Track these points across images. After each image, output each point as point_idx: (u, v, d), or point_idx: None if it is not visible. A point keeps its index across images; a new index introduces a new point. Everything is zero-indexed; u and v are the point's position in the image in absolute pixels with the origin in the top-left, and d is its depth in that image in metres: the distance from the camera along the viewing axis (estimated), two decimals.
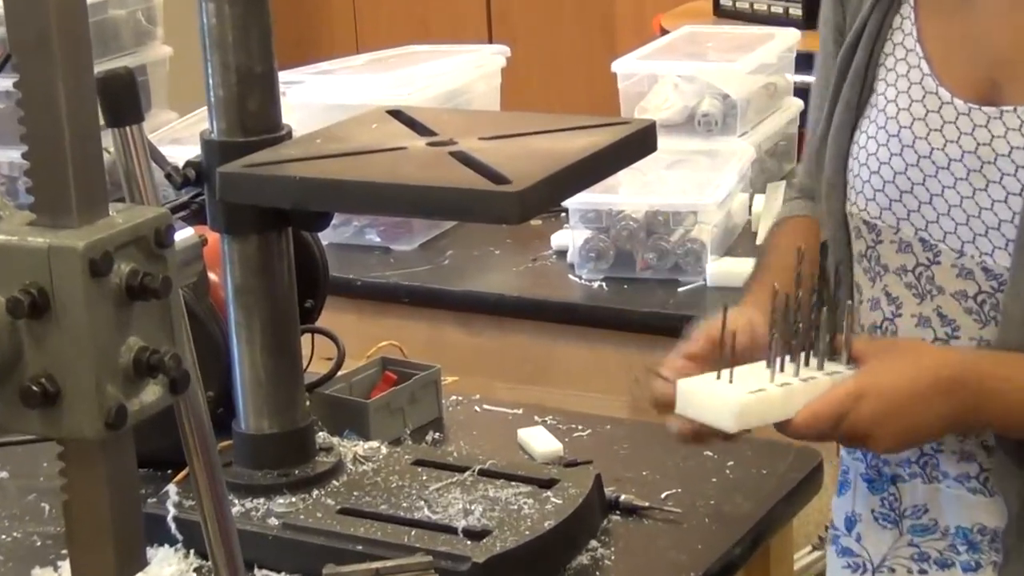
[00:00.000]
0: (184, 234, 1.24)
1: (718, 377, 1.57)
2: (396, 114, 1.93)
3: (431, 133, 1.83)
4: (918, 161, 1.65)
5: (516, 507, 1.78)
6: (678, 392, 1.58)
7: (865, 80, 1.70)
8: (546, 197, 1.69)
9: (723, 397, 1.56)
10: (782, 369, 1.59)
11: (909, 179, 1.65)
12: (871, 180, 1.68)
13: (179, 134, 3.09)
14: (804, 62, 3.45)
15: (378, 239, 2.97)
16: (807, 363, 1.60)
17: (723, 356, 1.56)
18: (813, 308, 1.60)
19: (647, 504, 1.87)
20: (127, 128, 1.37)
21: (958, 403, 1.54)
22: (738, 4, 4.59)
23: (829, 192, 1.72)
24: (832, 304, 1.61)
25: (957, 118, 1.63)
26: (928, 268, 1.65)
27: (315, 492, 1.83)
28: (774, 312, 1.58)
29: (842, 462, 1.79)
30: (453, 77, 3.09)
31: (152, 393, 1.06)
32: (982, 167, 1.60)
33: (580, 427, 2.11)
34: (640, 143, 1.81)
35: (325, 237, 2.14)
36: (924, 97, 1.66)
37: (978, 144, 1.60)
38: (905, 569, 1.73)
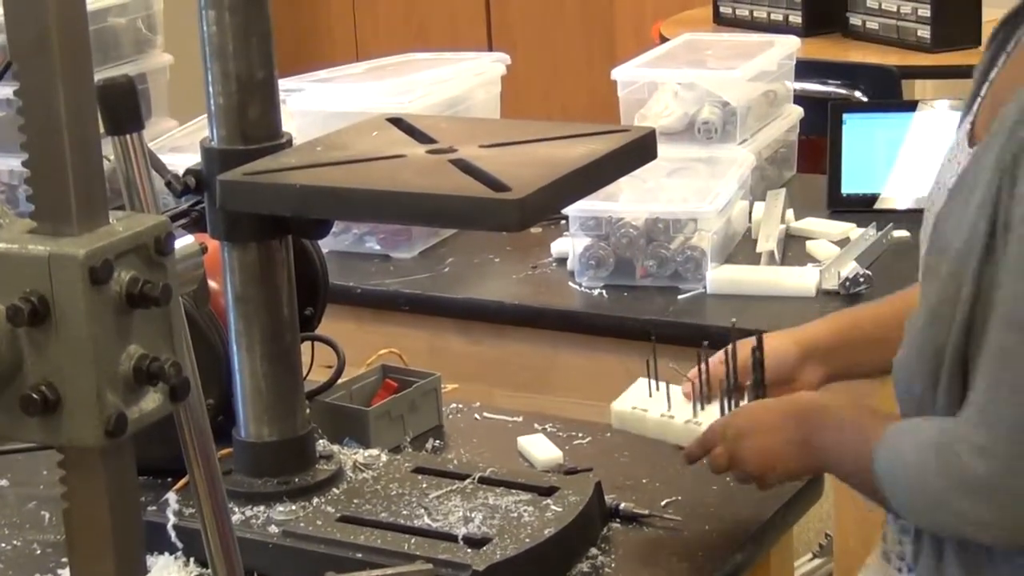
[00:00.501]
0: (184, 242, 1.24)
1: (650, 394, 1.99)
2: (396, 122, 1.93)
3: (431, 141, 1.83)
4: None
5: (516, 515, 1.78)
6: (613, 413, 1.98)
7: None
8: (546, 205, 1.69)
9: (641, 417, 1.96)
10: (703, 408, 1.93)
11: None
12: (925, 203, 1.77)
13: (179, 142, 3.09)
14: (804, 69, 3.46)
15: (378, 247, 2.97)
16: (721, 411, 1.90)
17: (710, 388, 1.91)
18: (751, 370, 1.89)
19: (647, 512, 1.87)
20: (127, 136, 1.37)
21: (806, 430, 1.72)
22: (738, 12, 4.60)
23: None
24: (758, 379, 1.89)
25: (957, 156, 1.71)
26: None
27: (315, 500, 1.83)
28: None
29: None
30: (453, 85, 3.09)
31: (152, 401, 1.06)
32: None
33: (580, 435, 2.11)
34: (640, 151, 1.81)
35: (325, 245, 2.14)
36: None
37: None
38: None
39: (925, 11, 4.19)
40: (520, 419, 2.18)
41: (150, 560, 1.78)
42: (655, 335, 2.58)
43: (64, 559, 1.78)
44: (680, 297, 2.67)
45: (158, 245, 1.06)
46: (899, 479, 1.60)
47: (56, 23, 1.00)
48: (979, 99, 1.71)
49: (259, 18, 1.78)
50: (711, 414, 1.91)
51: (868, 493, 1.66)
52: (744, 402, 1.89)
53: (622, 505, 1.87)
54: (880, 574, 1.77)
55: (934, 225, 1.63)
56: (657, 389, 1.99)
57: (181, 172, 1.79)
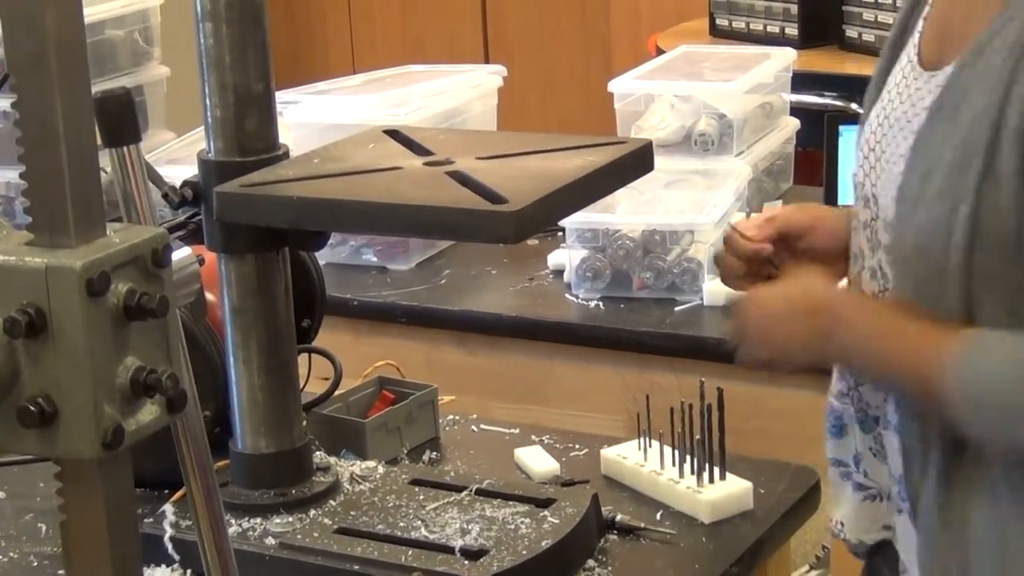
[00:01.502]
0: (181, 254, 1.24)
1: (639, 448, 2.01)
2: (393, 134, 1.93)
3: (428, 153, 1.84)
4: (881, 122, 1.70)
5: (513, 526, 1.78)
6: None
7: (891, 63, 1.74)
8: (543, 217, 1.69)
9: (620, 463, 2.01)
10: (674, 464, 1.96)
11: (873, 137, 1.70)
12: (859, 141, 1.72)
13: (176, 154, 3.09)
14: (800, 81, 3.46)
15: (375, 259, 2.97)
16: (697, 474, 1.93)
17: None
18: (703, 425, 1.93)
19: (643, 524, 1.87)
20: (125, 148, 1.37)
21: (816, 324, 1.65)
22: (734, 24, 4.60)
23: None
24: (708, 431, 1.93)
25: (912, 80, 1.68)
26: (874, 223, 1.68)
27: (312, 512, 1.83)
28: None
29: (832, 408, 1.78)
30: (450, 97, 3.10)
31: (149, 413, 1.06)
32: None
33: (577, 446, 2.11)
34: (637, 163, 1.81)
35: (322, 257, 2.14)
36: (908, 60, 1.71)
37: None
38: None
39: None
40: (517, 431, 2.18)
41: (147, 572, 1.78)
42: (651, 347, 2.60)
43: (61, 571, 1.78)
44: (677, 309, 2.67)
45: (155, 257, 1.06)
46: (988, 394, 1.54)
47: (54, 36, 1.00)
48: (917, 33, 1.71)
49: (256, 30, 1.78)
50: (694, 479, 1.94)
51: (920, 397, 1.62)
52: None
53: (619, 517, 1.87)
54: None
55: (913, 148, 1.60)
56: (649, 446, 2.00)
57: (178, 184, 1.79)
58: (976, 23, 1.59)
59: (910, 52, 1.70)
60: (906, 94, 1.67)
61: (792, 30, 4.43)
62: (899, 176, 1.61)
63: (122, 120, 1.37)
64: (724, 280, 1.85)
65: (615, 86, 3.06)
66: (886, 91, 1.71)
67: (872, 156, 1.69)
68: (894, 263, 1.63)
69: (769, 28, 4.48)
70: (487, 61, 5.80)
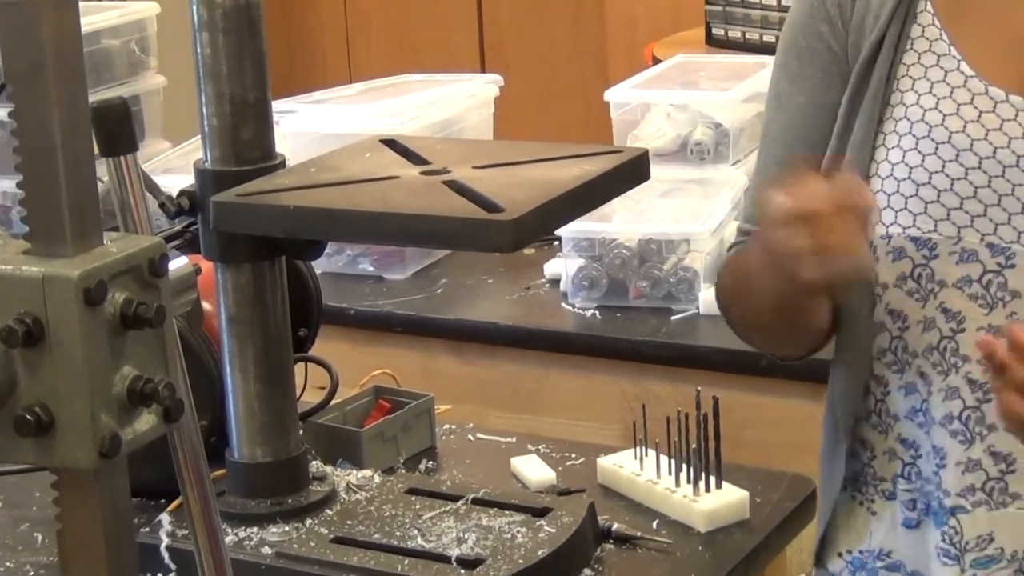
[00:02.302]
0: (178, 263, 1.24)
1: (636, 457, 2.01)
2: (389, 143, 1.93)
3: (424, 162, 1.84)
4: (980, 163, 1.60)
5: (509, 536, 1.78)
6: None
7: (886, 93, 1.67)
8: (539, 226, 1.69)
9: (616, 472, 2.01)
10: (670, 473, 1.96)
11: (971, 183, 1.61)
12: (919, 193, 1.62)
13: (172, 163, 3.09)
14: None
15: (371, 268, 2.97)
16: (693, 483, 1.92)
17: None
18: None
19: (640, 533, 1.87)
20: (121, 158, 1.38)
21: None
22: (730, 33, 4.60)
23: None
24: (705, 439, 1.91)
25: (1016, 115, 1.60)
26: (999, 274, 1.61)
27: (308, 521, 1.83)
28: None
29: (891, 494, 1.71)
30: (446, 106, 3.10)
31: (146, 422, 1.06)
32: None
33: (573, 456, 2.11)
34: (633, 172, 1.81)
35: (318, 266, 2.14)
36: (973, 99, 1.62)
37: None
38: None
39: None
40: (513, 440, 2.18)
41: None
42: (647, 356, 2.60)
43: None
44: (673, 318, 2.67)
45: (152, 266, 1.06)
46: None
47: (51, 45, 1.00)
48: (956, 59, 1.63)
49: (253, 40, 1.78)
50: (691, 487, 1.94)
51: None
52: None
53: (615, 526, 1.87)
54: None
55: None
56: (646, 455, 2.01)
57: (175, 193, 1.79)
58: None
59: (968, 83, 1.63)
60: (1012, 127, 1.60)
61: None
62: None
63: (119, 130, 1.37)
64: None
65: (611, 95, 3.07)
66: (940, 128, 1.62)
67: (973, 204, 1.61)
68: None
69: (765, 37, 4.48)
70: (483, 70, 5.80)
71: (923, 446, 1.68)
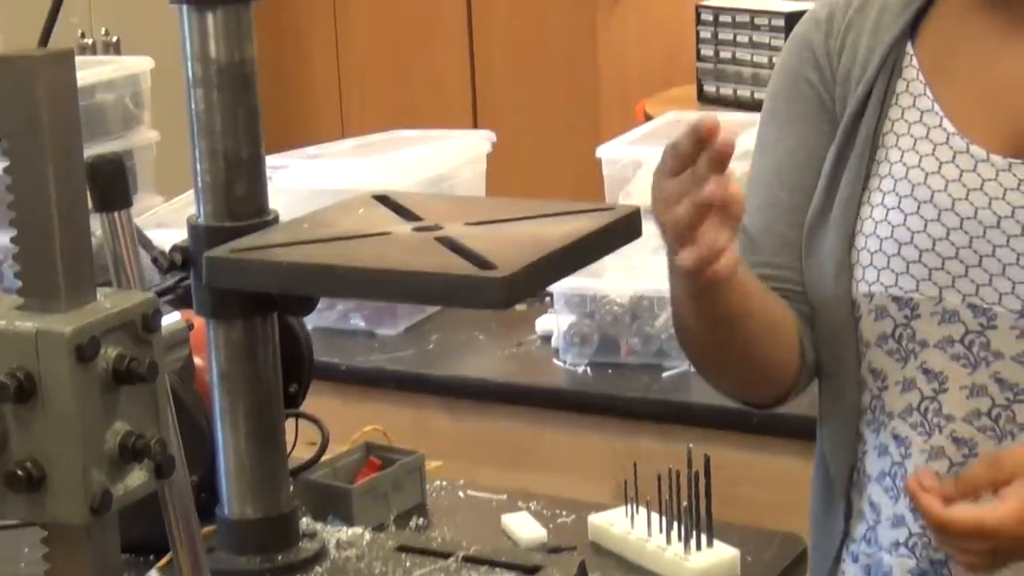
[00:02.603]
0: (171, 319, 1.24)
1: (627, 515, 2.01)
2: (382, 199, 1.93)
3: (417, 218, 1.84)
4: (961, 224, 1.60)
5: None
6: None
7: (872, 149, 1.66)
8: (532, 282, 1.69)
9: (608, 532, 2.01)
10: (661, 531, 1.95)
11: (952, 244, 1.60)
12: (901, 252, 1.62)
13: (165, 218, 3.09)
14: None
15: (363, 323, 2.97)
16: (684, 541, 1.92)
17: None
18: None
19: None
20: (115, 213, 1.38)
21: None
22: (722, 90, 4.63)
23: (839, 274, 1.65)
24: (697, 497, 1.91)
25: (998, 175, 1.59)
26: (981, 334, 1.60)
27: None
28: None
29: (881, 563, 1.69)
30: (439, 162, 3.11)
31: (137, 478, 1.06)
32: None
33: (564, 513, 2.11)
34: (625, 229, 1.81)
35: (309, 321, 2.14)
36: (954, 157, 1.61)
37: None
38: None
39: None
40: (504, 497, 2.18)
41: None
42: (638, 413, 2.60)
43: None
44: (665, 375, 2.67)
45: (145, 322, 1.06)
46: None
47: (47, 102, 1.01)
48: (939, 117, 1.63)
49: (247, 96, 1.78)
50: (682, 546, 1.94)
51: None
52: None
53: None
54: None
55: None
56: (637, 513, 2.01)
57: (168, 248, 1.79)
58: None
59: (950, 140, 1.62)
60: (993, 187, 1.59)
61: None
62: None
63: (114, 185, 1.37)
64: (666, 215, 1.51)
65: (603, 152, 3.08)
66: (922, 186, 1.62)
67: (954, 265, 1.60)
68: None
69: (756, 95, 4.50)
70: (476, 126, 5.82)
71: (883, 512, 1.67)
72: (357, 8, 6.24)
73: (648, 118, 4.11)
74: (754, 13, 4.58)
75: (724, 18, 4.65)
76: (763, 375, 1.71)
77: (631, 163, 3.07)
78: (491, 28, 6.03)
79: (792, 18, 4.34)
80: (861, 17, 1.70)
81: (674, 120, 3.46)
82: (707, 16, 4.69)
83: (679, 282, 1.59)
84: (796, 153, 1.72)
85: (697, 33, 4.72)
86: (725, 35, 4.64)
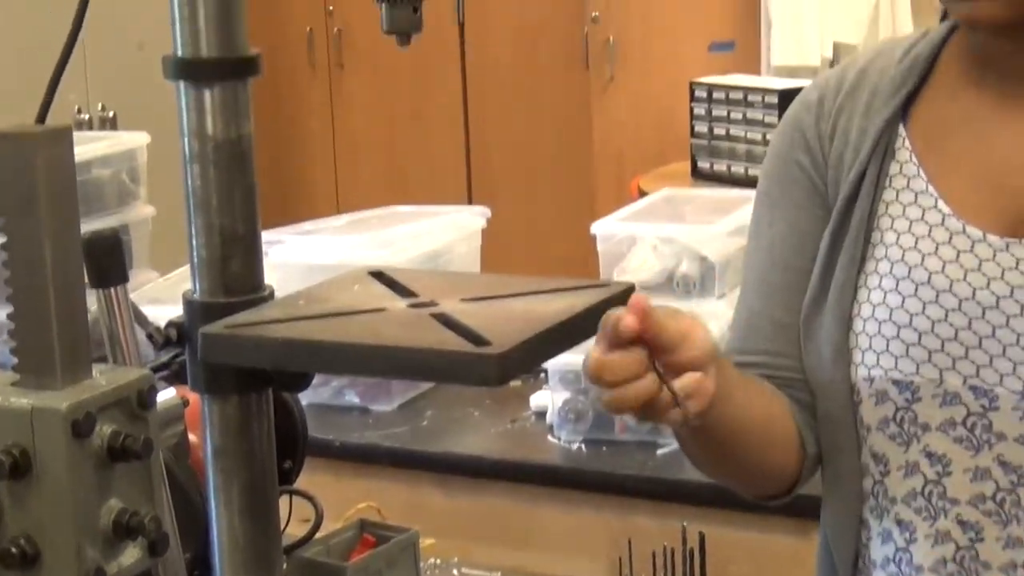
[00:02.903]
0: (166, 395, 1.24)
1: None
2: (377, 275, 1.94)
3: (412, 294, 1.84)
4: (960, 305, 1.58)
5: None
6: None
7: (867, 232, 1.65)
8: (526, 359, 1.69)
9: None
10: None
11: (952, 325, 1.58)
12: (900, 335, 1.60)
13: (159, 293, 3.09)
14: None
15: (357, 399, 2.97)
16: None
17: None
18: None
19: None
20: (111, 289, 1.38)
21: None
22: (715, 166, 4.65)
23: (837, 359, 1.64)
24: None
25: (995, 255, 1.58)
26: (983, 416, 1.58)
27: None
28: None
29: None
30: (434, 238, 3.11)
31: (131, 556, 1.06)
32: None
33: None
34: (619, 305, 1.82)
35: (303, 397, 2.13)
36: (951, 239, 1.61)
37: None
38: None
39: None
40: (499, 575, 2.16)
41: None
42: (633, 491, 2.59)
43: None
44: (659, 452, 2.67)
45: (140, 399, 1.06)
46: None
47: (44, 180, 1.01)
48: (933, 198, 1.62)
49: (243, 172, 1.79)
50: None
51: None
52: None
53: None
54: None
55: None
56: None
57: (163, 324, 1.79)
58: None
59: (945, 221, 1.61)
60: (991, 268, 1.58)
61: None
62: None
63: (110, 262, 1.38)
64: (612, 402, 1.53)
65: (598, 228, 3.08)
66: (919, 268, 1.61)
67: (954, 346, 1.59)
68: None
69: (750, 171, 4.52)
70: (471, 202, 5.84)
71: None
72: (353, 85, 6.28)
73: (643, 194, 4.12)
74: (747, 90, 4.61)
75: (718, 95, 4.68)
76: (763, 477, 1.71)
77: (625, 239, 3.08)
78: (486, 105, 6.07)
79: (785, 95, 4.37)
80: (852, 100, 1.70)
81: (669, 196, 3.47)
82: (701, 93, 4.72)
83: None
84: (788, 236, 1.72)
85: (691, 109, 4.75)
86: (719, 112, 4.66)
